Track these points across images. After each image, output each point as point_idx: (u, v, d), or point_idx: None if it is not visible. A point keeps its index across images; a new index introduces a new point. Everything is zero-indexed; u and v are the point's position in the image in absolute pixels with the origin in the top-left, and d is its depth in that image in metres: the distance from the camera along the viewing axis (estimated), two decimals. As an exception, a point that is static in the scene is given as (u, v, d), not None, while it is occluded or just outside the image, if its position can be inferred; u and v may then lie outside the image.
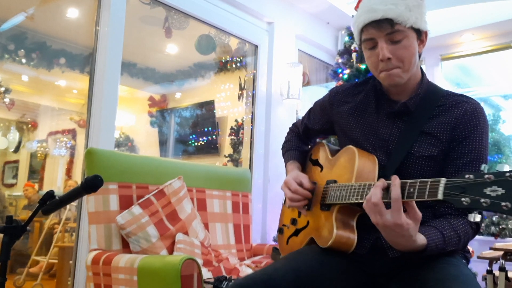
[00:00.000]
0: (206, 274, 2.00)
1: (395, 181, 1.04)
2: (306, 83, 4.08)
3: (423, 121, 1.27)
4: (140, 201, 2.03)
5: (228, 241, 2.48)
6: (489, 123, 3.63)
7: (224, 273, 2.07)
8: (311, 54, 4.11)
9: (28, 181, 6.68)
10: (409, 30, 1.23)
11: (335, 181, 1.31)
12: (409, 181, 1.04)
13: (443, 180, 0.97)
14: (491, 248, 2.51)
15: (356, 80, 2.68)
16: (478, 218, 0.90)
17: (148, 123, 5.95)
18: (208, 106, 5.08)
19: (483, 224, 3.14)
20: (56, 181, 6.56)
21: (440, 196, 0.96)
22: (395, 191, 1.02)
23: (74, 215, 4.60)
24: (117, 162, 2.10)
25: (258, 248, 2.63)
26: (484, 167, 0.92)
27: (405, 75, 1.25)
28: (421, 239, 1.07)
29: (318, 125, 1.56)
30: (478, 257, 2.56)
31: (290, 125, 1.72)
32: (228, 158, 4.66)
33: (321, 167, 1.45)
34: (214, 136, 4.97)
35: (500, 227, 3.10)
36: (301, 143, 1.63)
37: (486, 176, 0.89)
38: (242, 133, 4.46)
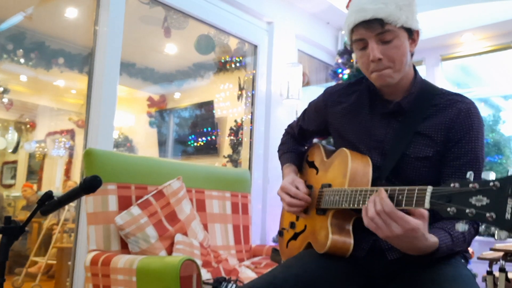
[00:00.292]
0: (205, 275, 1.99)
1: (381, 194, 1.03)
2: (306, 83, 4.08)
3: (418, 121, 1.25)
4: (139, 201, 2.03)
5: (228, 242, 2.48)
6: (489, 123, 3.66)
7: (223, 274, 2.06)
8: (311, 54, 4.11)
9: (27, 181, 6.67)
10: (399, 30, 1.21)
11: (329, 185, 1.30)
12: (397, 188, 1.03)
13: (429, 189, 0.96)
14: (491, 249, 2.51)
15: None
16: (466, 227, 0.89)
17: (147, 123, 5.94)
18: (207, 106, 5.08)
19: (483, 225, 3.14)
20: (54, 182, 6.55)
21: (426, 205, 0.95)
22: (386, 203, 1.01)
23: (72, 216, 4.59)
24: (116, 163, 2.10)
25: (257, 249, 2.62)
26: (469, 175, 0.90)
27: (396, 75, 1.24)
28: (432, 238, 1.06)
29: (313, 126, 1.55)
30: (478, 258, 2.55)
31: (286, 127, 1.71)
32: (227, 159, 4.65)
33: (317, 169, 1.44)
34: (213, 137, 4.97)
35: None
36: (297, 145, 1.62)
37: (471, 185, 0.88)
38: (242, 134, 4.45)
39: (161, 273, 1.62)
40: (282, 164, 1.59)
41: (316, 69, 4.31)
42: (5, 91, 5.87)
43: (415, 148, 1.24)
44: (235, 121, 4.72)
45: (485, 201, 0.85)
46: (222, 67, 4.99)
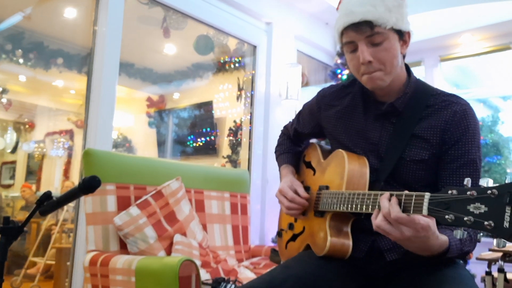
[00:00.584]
0: (204, 275, 1.99)
1: (383, 200, 1.02)
2: (305, 83, 4.08)
3: (413, 122, 1.25)
4: (138, 202, 2.02)
5: (227, 242, 2.47)
6: (488, 124, 3.66)
7: (222, 275, 2.06)
8: (310, 55, 4.11)
9: (26, 182, 6.66)
10: (389, 32, 1.20)
11: (327, 187, 1.30)
12: (395, 193, 1.02)
13: (427, 195, 0.95)
14: (490, 250, 2.51)
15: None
16: (465, 235, 0.88)
17: (146, 123, 5.94)
18: (206, 106, 5.07)
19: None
20: (53, 182, 6.54)
21: (424, 211, 0.94)
22: (393, 209, 0.99)
23: (71, 216, 4.59)
24: (115, 163, 2.10)
25: (256, 250, 2.62)
26: (467, 181, 0.90)
27: (387, 77, 1.23)
28: (442, 236, 1.05)
29: (307, 129, 1.54)
30: (477, 259, 2.55)
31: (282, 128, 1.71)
32: (226, 159, 4.65)
33: (314, 170, 1.44)
34: (212, 137, 4.96)
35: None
36: (293, 146, 1.62)
37: (469, 192, 0.87)
38: (241, 134, 4.45)
39: (160, 273, 1.62)
40: (279, 165, 1.59)
41: (315, 70, 4.31)
42: (4, 91, 5.87)
43: (410, 151, 1.23)
44: (234, 121, 4.72)
45: (483, 209, 0.85)
46: (221, 67, 4.98)
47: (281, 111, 3.61)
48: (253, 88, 3.62)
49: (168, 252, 2.02)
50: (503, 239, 0.82)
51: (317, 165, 1.44)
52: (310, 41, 3.99)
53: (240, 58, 4.54)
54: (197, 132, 5.16)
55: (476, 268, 2.84)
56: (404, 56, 1.29)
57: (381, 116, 1.30)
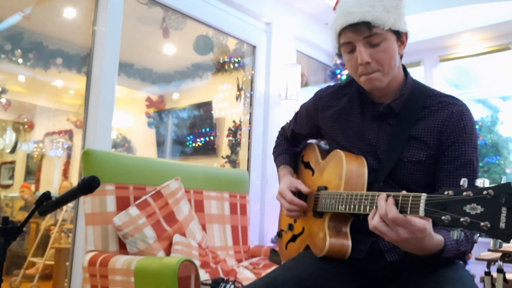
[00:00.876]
0: (204, 275, 1.99)
1: (380, 201, 1.02)
2: (305, 84, 4.08)
3: (410, 124, 1.25)
4: (137, 202, 2.02)
5: (226, 242, 2.47)
6: (487, 124, 3.66)
7: (221, 275, 2.06)
8: (310, 55, 4.11)
9: (25, 182, 6.66)
10: (387, 33, 1.20)
11: (325, 188, 1.30)
12: (392, 194, 1.02)
13: (423, 196, 0.95)
14: (489, 250, 2.51)
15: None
16: (462, 236, 0.88)
17: (146, 124, 5.94)
18: (205, 107, 5.07)
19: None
20: (52, 182, 6.53)
21: (421, 212, 0.94)
22: (390, 210, 0.99)
23: (70, 216, 4.58)
24: (114, 163, 2.10)
25: (255, 250, 2.62)
26: (463, 181, 0.89)
27: (385, 78, 1.23)
28: (438, 236, 1.05)
29: (305, 130, 1.54)
30: (476, 259, 2.56)
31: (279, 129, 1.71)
32: (225, 159, 4.64)
33: (312, 170, 1.44)
34: (211, 137, 4.96)
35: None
36: (291, 146, 1.62)
37: (465, 193, 0.87)
38: (240, 134, 4.45)
39: (159, 273, 1.62)
40: (278, 166, 1.59)
41: (314, 70, 4.32)
42: (3, 91, 5.86)
43: (408, 152, 1.24)
44: (234, 121, 4.72)
45: (479, 209, 0.85)
46: (220, 67, 4.98)
47: (281, 111, 3.61)
48: (252, 88, 3.62)
49: (168, 252, 2.02)
50: (499, 240, 0.82)
51: (316, 165, 1.44)
52: (309, 41, 3.99)
53: (239, 58, 4.54)
54: (196, 132, 5.16)
55: (475, 268, 2.85)
56: (401, 57, 1.29)
57: (378, 117, 1.30)
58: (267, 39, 3.65)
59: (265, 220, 3.42)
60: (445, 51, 4.03)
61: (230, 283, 1.84)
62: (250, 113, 3.62)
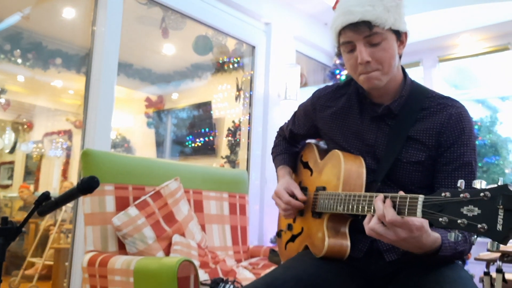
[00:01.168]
0: (203, 276, 1.99)
1: (378, 202, 1.02)
2: (304, 84, 4.08)
3: (409, 125, 1.25)
4: (136, 202, 2.03)
5: (225, 242, 2.48)
6: (487, 124, 3.66)
7: (221, 275, 2.06)
8: (309, 55, 4.11)
9: (24, 182, 6.65)
10: (388, 32, 1.20)
11: (324, 188, 1.30)
12: (389, 195, 1.02)
13: (421, 198, 0.95)
14: (488, 250, 2.51)
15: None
16: (459, 237, 0.88)
17: (145, 124, 5.94)
18: (205, 107, 5.07)
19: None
20: (52, 182, 6.53)
21: (419, 214, 0.94)
22: (388, 212, 0.99)
23: (70, 217, 4.58)
24: (113, 163, 2.10)
25: (255, 250, 2.62)
26: (460, 183, 0.89)
27: (384, 77, 1.23)
28: (434, 234, 1.05)
29: (303, 130, 1.54)
30: (475, 259, 2.56)
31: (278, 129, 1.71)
32: (225, 159, 4.65)
33: (311, 170, 1.44)
34: (211, 137, 4.96)
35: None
36: (290, 146, 1.62)
37: (462, 195, 0.87)
38: (239, 134, 4.45)
39: (159, 274, 1.62)
40: (276, 166, 1.59)
41: (314, 70, 4.32)
42: (2, 91, 5.86)
43: (407, 153, 1.24)
44: (233, 121, 4.72)
45: (476, 211, 0.85)
46: (220, 67, 4.98)
47: (280, 112, 3.61)
48: (251, 89, 3.62)
49: (167, 252, 2.02)
50: (496, 242, 0.82)
51: (314, 165, 1.44)
52: (309, 41, 4.00)
53: (239, 59, 4.55)
54: (195, 133, 5.16)
55: (474, 268, 2.85)
56: (400, 57, 1.29)
57: (377, 118, 1.30)
58: (267, 39, 3.65)
59: (264, 220, 3.42)
60: (444, 51, 4.03)
61: (230, 283, 1.84)
62: (249, 113, 3.62)
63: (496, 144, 3.62)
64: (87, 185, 1.12)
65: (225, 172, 2.79)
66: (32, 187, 6.37)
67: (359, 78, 1.25)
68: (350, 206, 1.14)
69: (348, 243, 1.23)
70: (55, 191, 6.14)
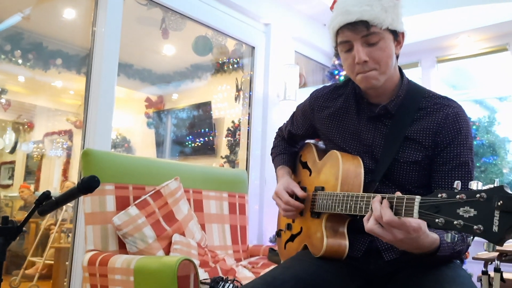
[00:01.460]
0: (203, 275, 2.00)
1: (375, 203, 1.02)
2: (303, 84, 4.08)
3: (406, 124, 1.25)
4: (136, 202, 2.03)
5: (225, 242, 2.48)
6: (485, 125, 3.67)
7: (220, 274, 2.07)
8: (308, 56, 4.12)
9: (25, 182, 6.66)
10: (385, 32, 1.20)
11: (322, 188, 1.31)
12: (387, 196, 1.02)
13: (417, 199, 0.95)
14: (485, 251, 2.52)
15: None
16: (456, 238, 0.88)
17: (145, 124, 5.95)
18: (205, 107, 5.08)
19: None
20: (52, 182, 6.54)
21: (415, 215, 0.95)
22: (385, 213, 0.99)
23: (70, 216, 4.59)
24: (114, 163, 2.10)
25: (254, 249, 2.63)
26: (457, 184, 0.89)
27: (381, 77, 1.23)
28: (432, 235, 1.05)
29: (301, 130, 1.55)
30: (474, 258, 2.57)
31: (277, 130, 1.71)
32: (224, 159, 4.66)
33: (310, 171, 1.45)
34: (210, 137, 4.97)
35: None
36: (289, 146, 1.63)
37: (458, 196, 0.87)
38: (239, 134, 4.46)
39: (159, 273, 1.63)
40: (276, 166, 1.60)
41: (313, 71, 4.32)
42: (3, 91, 5.87)
43: (404, 153, 1.24)
44: (233, 122, 4.73)
45: (472, 212, 0.85)
46: (219, 68, 4.99)
47: (279, 112, 3.62)
48: (251, 89, 3.63)
49: (167, 251, 2.02)
50: (492, 244, 0.82)
51: (313, 165, 1.44)
52: (308, 42, 4.00)
53: (238, 59, 4.56)
54: (195, 133, 5.17)
55: (472, 267, 2.85)
56: (397, 57, 1.29)
57: (374, 118, 1.31)
58: (266, 40, 3.66)
59: (264, 220, 3.43)
60: (443, 52, 4.03)
61: (229, 282, 1.85)
62: (249, 114, 3.63)
63: (494, 144, 3.62)
64: (88, 185, 1.12)
65: (224, 172, 2.79)
66: (32, 187, 6.38)
67: (356, 78, 1.26)
68: (348, 206, 1.15)
69: (347, 242, 1.24)
70: (56, 191, 6.14)
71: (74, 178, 6.08)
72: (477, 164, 3.61)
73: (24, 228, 1.14)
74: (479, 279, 2.49)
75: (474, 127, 3.58)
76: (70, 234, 4.21)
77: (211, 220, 2.45)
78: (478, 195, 0.84)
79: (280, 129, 1.68)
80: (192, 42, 4.20)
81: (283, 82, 3.55)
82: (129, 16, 3.03)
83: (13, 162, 7.09)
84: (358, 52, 1.20)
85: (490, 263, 2.49)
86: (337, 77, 3.34)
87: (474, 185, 0.87)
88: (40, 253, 4.72)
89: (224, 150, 4.77)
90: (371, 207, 1.04)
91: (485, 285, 2.40)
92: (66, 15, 4.30)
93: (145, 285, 1.67)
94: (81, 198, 2.17)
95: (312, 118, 1.47)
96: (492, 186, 0.85)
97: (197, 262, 2.04)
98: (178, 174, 2.27)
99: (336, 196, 1.20)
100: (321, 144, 1.53)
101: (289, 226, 1.48)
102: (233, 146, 4.61)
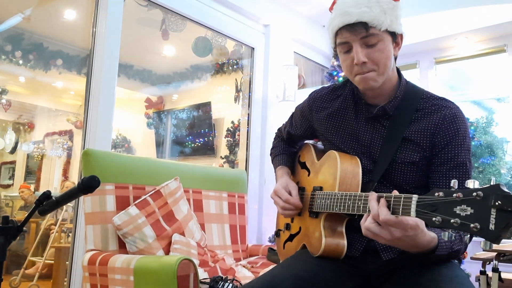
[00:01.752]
0: (202, 274, 2.01)
1: (372, 202, 1.02)
2: (302, 85, 4.10)
3: (403, 125, 1.26)
4: (136, 201, 2.04)
5: (224, 241, 2.49)
6: (482, 125, 3.68)
7: (220, 274, 2.08)
8: (307, 57, 4.13)
9: (25, 182, 6.67)
10: (384, 34, 1.21)
11: (321, 188, 1.32)
12: (384, 195, 1.02)
13: (414, 198, 0.95)
14: (482, 249, 2.52)
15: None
16: (453, 237, 0.88)
17: (145, 124, 5.96)
18: (204, 107, 5.09)
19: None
20: (52, 182, 6.55)
21: (412, 214, 0.95)
22: (382, 211, 1.00)
23: (70, 216, 4.60)
24: (114, 163, 2.11)
25: (253, 249, 2.64)
26: (453, 183, 0.90)
27: (380, 78, 1.24)
28: (430, 233, 1.06)
29: (300, 131, 1.55)
30: (472, 258, 2.58)
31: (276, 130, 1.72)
32: (224, 160, 4.67)
33: (308, 171, 1.46)
34: (210, 138, 4.98)
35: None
36: (288, 147, 1.63)
37: (455, 194, 0.87)
38: (238, 135, 4.48)
39: (159, 272, 1.63)
40: (275, 166, 1.60)
41: (312, 71, 4.33)
42: (4, 92, 5.88)
43: (401, 154, 1.25)
44: (232, 122, 4.74)
45: (469, 211, 0.85)
46: (219, 69, 5.01)
47: (278, 113, 3.63)
48: (250, 90, 3.64)
49: (167, 251, 2.03)
50: (489, 242, 0.82)
51: (312, 165, 1.45)
52: (307, 43, 4.01)
53: (238, 60, 4.57)
54: (195, 133, 5.18)
55: (470, 267, 2.87)
56: (395, 58, 1.30)
57: (372, 119, 1.31)
58: (265, 41, 3.67)
59: (263, 220, 3.44)
60: (441, 53, 4.04)
61: (229, 281, 1.86)
62: (248, 114, 3.64)
63: (492, 144, 3.63)
64: (88, 185, 1.12)
65: (224, 172, 2.80)
66: (33, 187, 6.39)
67: (355, 79, 1.26)
68: (346, 206, 1.16)
69: (345, 242, 1.24)
70: (56, 191, 6.15)
71: (74, 178, 6.08)
72: (475, 165, 3.62)
73: (24, 228, 1.14)
74: (477, 279, 2.50)
75: (472, 127, 3.59)
76: (70, 234, 4.22)
77: (210, 220, 2.46)
78: (474, 194, 0.84)
79: (279, 129, 1.69)
80: (192, 43, 4.21)
81: (282, 83, 3.55)
82: (129, 17, 3.04)
83: (13, 162, 7.10)
84: (357, 53, 1.21)
85: (488, 263, 2.50)
86: (336, 78, 3.35)
87: (471, 184, 0.87)
88: (40, 253, 4.73)
89: (223, 151, 4.79)
90: (368, 206, 1.04)
91: (483, 285, 2.41)
92: (67, 16, 4.31)
93: (145, 284, 1.67)
94: (81, 198, 2.17)
95: (311, 119, 1.48)
96: (488, 185, 0.85)
97: (196, 262, 2.04)
98: (178, 174, 2.27)
99: (334, 196, 1.21)
100: (319, 144, 1.54)
101: (288, 226, 1.49)
102: (233, 147, 4.62)
